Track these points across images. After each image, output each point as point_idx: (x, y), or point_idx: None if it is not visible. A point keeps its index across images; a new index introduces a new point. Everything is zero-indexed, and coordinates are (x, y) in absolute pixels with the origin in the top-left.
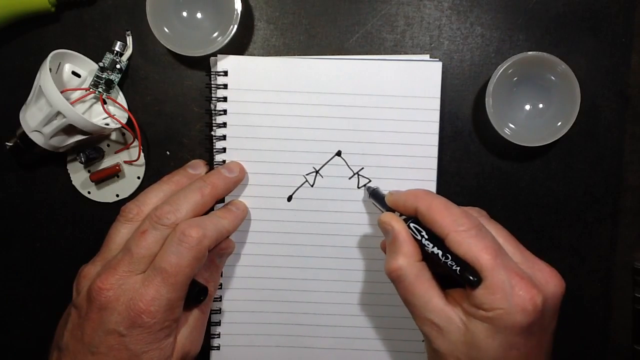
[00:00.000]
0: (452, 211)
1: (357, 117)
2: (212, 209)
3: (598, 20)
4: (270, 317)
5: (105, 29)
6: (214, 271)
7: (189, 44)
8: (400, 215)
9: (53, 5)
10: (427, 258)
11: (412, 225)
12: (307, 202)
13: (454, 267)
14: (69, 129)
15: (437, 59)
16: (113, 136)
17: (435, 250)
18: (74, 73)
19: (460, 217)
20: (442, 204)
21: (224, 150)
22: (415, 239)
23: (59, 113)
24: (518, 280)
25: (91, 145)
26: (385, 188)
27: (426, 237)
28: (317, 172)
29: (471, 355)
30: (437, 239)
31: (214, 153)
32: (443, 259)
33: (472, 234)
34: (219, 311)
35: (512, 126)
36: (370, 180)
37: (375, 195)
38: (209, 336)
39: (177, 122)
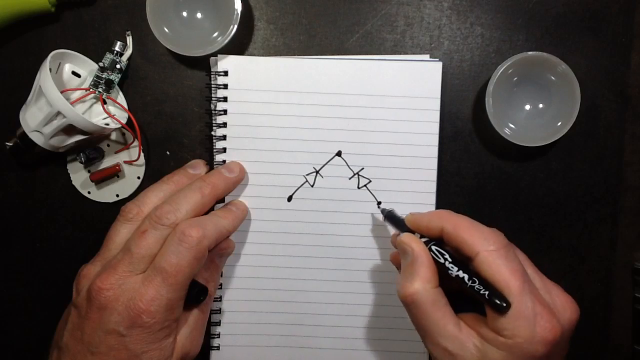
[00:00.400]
0: (481, 229)
1: (357, 117)
2: (212, 209)
3: (598, 20)
4: (270, 317)
5: (105, 29)
6: (214, 271)
7: (189, 44)
8: (421, 237)
9: (53, 5)
10: (444, 281)
11: (434, 247)
12: (307, 202)
13: (482, 292)
14: (69, 129)
15: (437, 59)
16: (113, 136)
17: (461, 273)
18: (74, 73)
19: (490, 236)
20: (469, 222)
21: (224, 150)
22: (437, 262)
23: (59, 113)
24: (541, 309)
25: (91, 145)
26: (401, 212)
27: (450, 260)
28: (317, 172)
29: None
30: (460, 262)
31: (214, 153)
32: (469, 283)
33: (501, 254)
34: (219, 311)
35: (512, 126)
36: (370, 181)
37: (391, 217)
38: (208, 336)
39: (177, 122)
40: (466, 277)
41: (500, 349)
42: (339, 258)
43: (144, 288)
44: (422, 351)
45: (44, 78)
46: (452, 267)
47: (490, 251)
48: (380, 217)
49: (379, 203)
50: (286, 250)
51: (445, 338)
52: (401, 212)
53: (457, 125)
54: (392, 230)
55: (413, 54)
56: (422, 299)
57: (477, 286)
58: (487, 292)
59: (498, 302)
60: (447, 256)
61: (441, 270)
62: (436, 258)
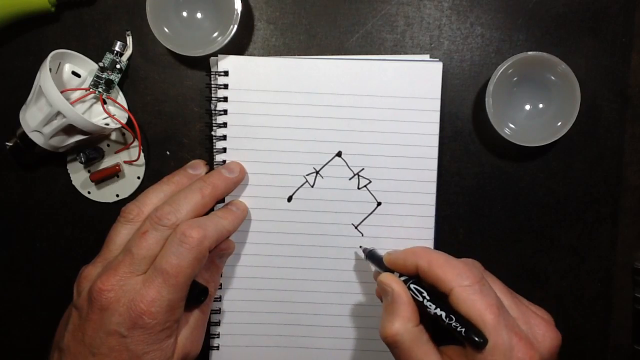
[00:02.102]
0: (454, 265)
1: (357, 118)
2: (212, 209)
3: (598, 20)
4: (270, 317)
5: (105, 29)
6: (214, 272)
7: (189, 44)
8: (400, 275)
9: (53, 5)
10: (425, 318)
11: (412, 286)
12: (307, 202)
13: (458, 329)
14: (69, 129)
15: (437, 59)
16: (113, 136)
17: (438, 311)
18: (74, 73)
19: (464, 271)
20: (442, 259)
21: (224, 150)
22: (416, 301)
23: (59, 113)
24: (517, 340)
25: (91, 145)
26: (381, 248)
27: (427, 297)
28: (317, 172)
29: None
30: (439, 299)
31: (214, 153)
32: (447, 320)
33: (475, 289)
34: (219, 311)
35: (512, 126)
36: (370, 181)
37: (372, 256)
38: (208, 336)
39: (177, 122)
40: (443, 314)
41: None
42: (338, 258)
43: (145, 289)
44: None
45: (44, 78)
46: (430, 305)
47: (464, 287)
48: (362, 255)
49: (360, 247)
50: (286, 250)
51: None
52: (402, 212)
53: (457, 125)
54: (374, 267)
55: (413, 54)
56: (403, 339)
57: (454, 324)
58: (463, 330)
59: (476, 339)
60: (425, 294)
61: (421, 307)
62: (415, 296)
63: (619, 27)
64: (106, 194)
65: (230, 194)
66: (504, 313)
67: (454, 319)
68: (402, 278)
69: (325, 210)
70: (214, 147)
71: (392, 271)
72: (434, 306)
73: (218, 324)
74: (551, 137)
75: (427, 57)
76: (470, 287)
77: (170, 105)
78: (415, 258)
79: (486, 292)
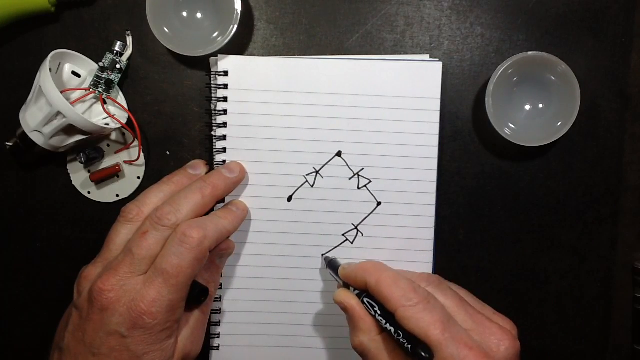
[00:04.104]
0: (400, 285)
1: (357, 118)
2: (212, 209)
3: (598, 20)
4: (270, 317)
5: (105, 29)
6: (214, 272)
7: (189, 44)
8: (355, 289)
9: (53, 5)
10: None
11: (365, 300)
12: (307, 202)
13: (405, 345)
14: (69, 129)
15: (437, 59)
16: (113, 136)
17: (389, 326)
18: (74, 73)
19: (409, 292)
20: (390, 278)
21: (224, 150)
22: (370, 314)
23: (59, 113)
24: (467, 352)
25: (91, 145)
26: (402, 212)
27: (379, 312)
28: (317, 172)
29: None
30: (389, 314)
31: (214, 153)
32: (395, 336)
33: (420, 308)
34: (219, 311)
35: (512, 126)
36: (370, 181)
37: (331, 266)
38: (208, 336)
39: (177, 122)
40: (392, 330)
41: None
42: (338, 258)
43: (145, 289)
44: None
45: (44, 78)
46: (381, 320)
47: (407, 306)
48: (324, 264)
49: (322, 255)
50: (286, 250)
51: None
52: (402, 212)
53: (457, 125)
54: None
55: (413, 54)
56: (369, 347)
57: (401, 339)
58: (410, 346)
59: (422, 354)
60: (377, 308)
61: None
62: (368, 310)
63: (619, 27)
64: (106, 194)
65: (230, 194)
66: (451, 327)
67: (401, 335)
68: (356, 292)
69: (325, 210)
70: (214, 147)
71: (348, 285)
72: (384, 321)
73: (218, 324)
74: (551, 137)
75: (427, 57)
76: (414, 306)
77: (170, 105)
78: (365, 275)
79: (430, 309)
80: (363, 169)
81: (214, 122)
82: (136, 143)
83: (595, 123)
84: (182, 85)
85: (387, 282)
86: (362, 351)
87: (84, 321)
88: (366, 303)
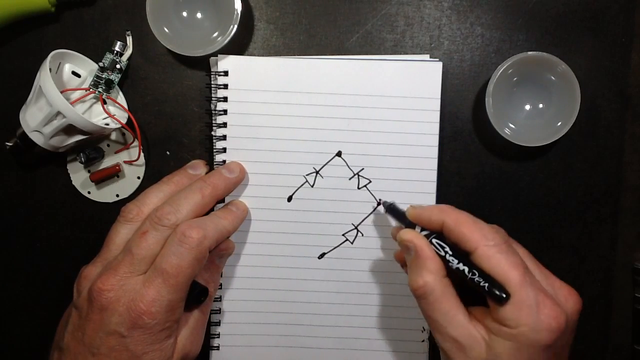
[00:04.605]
0: (481, 226)
1: (357, 118)
2: (212, 209)
3: (598, 20)
4: (270, 317)
5: (105, 29)
6: (214, 272)
7: (189, 44)
8: (421, 230)
9: (53, 5)
10: (450, 275)
11: (434, 241)
12: (307, 202)
13: (481, 284)
14: (69, 129)
15: (437, 59)
16: (113, 136)
17: (461, 266)
18: (74, 73)
19: (490, 232)
20: (470, 219)
21: (224, 150)
22: (439, 255)
23: (59, 113)
24: (543, 298)
25: (91, 145)
26: (401, 202)
27: (450, 253)
28: (317, 172)
29: None
30: (461, 255)
31: (214, 153)
32: (469, 275)
33: (502, 249)
34: (219, 311)
35: (512, 126)
36: (370, 181)
37: (393, 210)
38: (208, 336)
39: (177, 122)
40: (466, 269)
41: (506, 339)
42: (338, 258)
43: (144, 289)
44: (422, 351)
45: (44, 78)
46: (452, 260)
47: (489, 246)
48: (382, 210)
49: (380, 200)
50: (286, 250)
51: (454, 328)
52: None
53: (457, 125)
54: (393, 223)
55: (413, 54)
56: (432, 289)
57: (477, 278)
58: (486, 284)
59: (498, 293)
60: (447, 249)
61: (445, 263)
62: (437, 251)
63: (619, 27)
64: (106, 194)
65: (230, 194)
66: (529, 273)
67: (477, 274)
68: (424, 233)
69: (325, 210)
70: (214, 147)
71: (413, 226)
72: (456, 261)
73: (218, 324)
74: (551, 137)
75: (427, 57)
76: (495, 247)
77: (170, 105)
78: (442, 215)
79: (512, 252)
80: (363, 169)
81: (214, 122)
82: (136, 143)
83: (595, 123)
84: (182, 85)
85: (467, 222)
86: (424, 292)
87: (83, 321)
88: (435, 244)
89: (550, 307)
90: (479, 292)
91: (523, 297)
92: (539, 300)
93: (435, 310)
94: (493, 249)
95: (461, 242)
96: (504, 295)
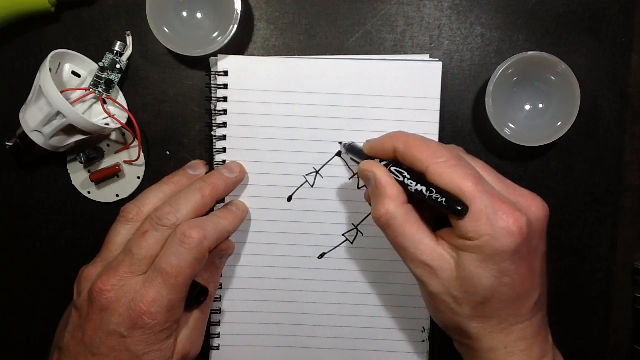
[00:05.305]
0: (430, 145)
1: (357, 118)
2: (212, 209)
3: (598, 20)
4: (270, 317)
5: (105, 29)
6: (214, 272)
7: (189, 44)
8: (380, 161)
9: (53, 5)
10: (412, 200)
11: (392, 168)
12: (307, 202)
13: (439, 200)
14: (69, 129)
15: (437, 59)
16: (113, 136)
17: (419, 187)
18: (74, 73)
19: (439, 150)
20: (419, 140)
21: (224, 150)
22: (398, 181)
23: (59, 113)
24: (500, 204)
25: (91, 145)
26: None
27: (408, 177)
28: (317, 172)
29: (466, 290)
30: (419, 177)
31: (214, 153)
32: (428, 194)
33: (452, 164)
34: (219, 311)
35: (512, 126)
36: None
37: (352, 149)
38: (208, 336)
39: (177, 122)
40: (424, 189)
41: (471, 252)
42: (338, 258)
43: (145, 289)
44: (422, 352)
45: (44, 78)
46: (410, 183)
47: (439, 163)
48: (343, 149)
49: (340, 142)
50: (286, 250)
51: (423, 253)
52: None
53: (457, 125)
54: (355, 161)
55: (413, 54)
56: (395, 215)
57: (434, 195)
58: (444, 199)
59: (456, 207)
60: (405, 174)
61: (405, 188)
62: (396, 177)
63: (619, 27)
64: (106, 194)
65: (230, 194)
66: (483, 182)
67: (434, 191)
68: (383, 163)
69: (325, 210)
70: (214, 147)
71: (372, 159)
72: (414, 183)
73: (218, 324)
74: (551, 137)
75: (427, 57)
76: (446, 162)
77: (170, 105)
78: (393, 141)
79: (463, 165)
80: None
81: (214, 122)
82: (136, 143)
83: (595, 123)
84: (182, 85)
85: (417, 143)
86: (386, 221)
87: (83, 321)
88: (394, 171)
89: (507, 212)
90: (442, 213)
91: (479, 206)
92: (496, 208)
93: (401, 236)
94: (443, 165)
95: (414, 163)
96: (460, 208)
